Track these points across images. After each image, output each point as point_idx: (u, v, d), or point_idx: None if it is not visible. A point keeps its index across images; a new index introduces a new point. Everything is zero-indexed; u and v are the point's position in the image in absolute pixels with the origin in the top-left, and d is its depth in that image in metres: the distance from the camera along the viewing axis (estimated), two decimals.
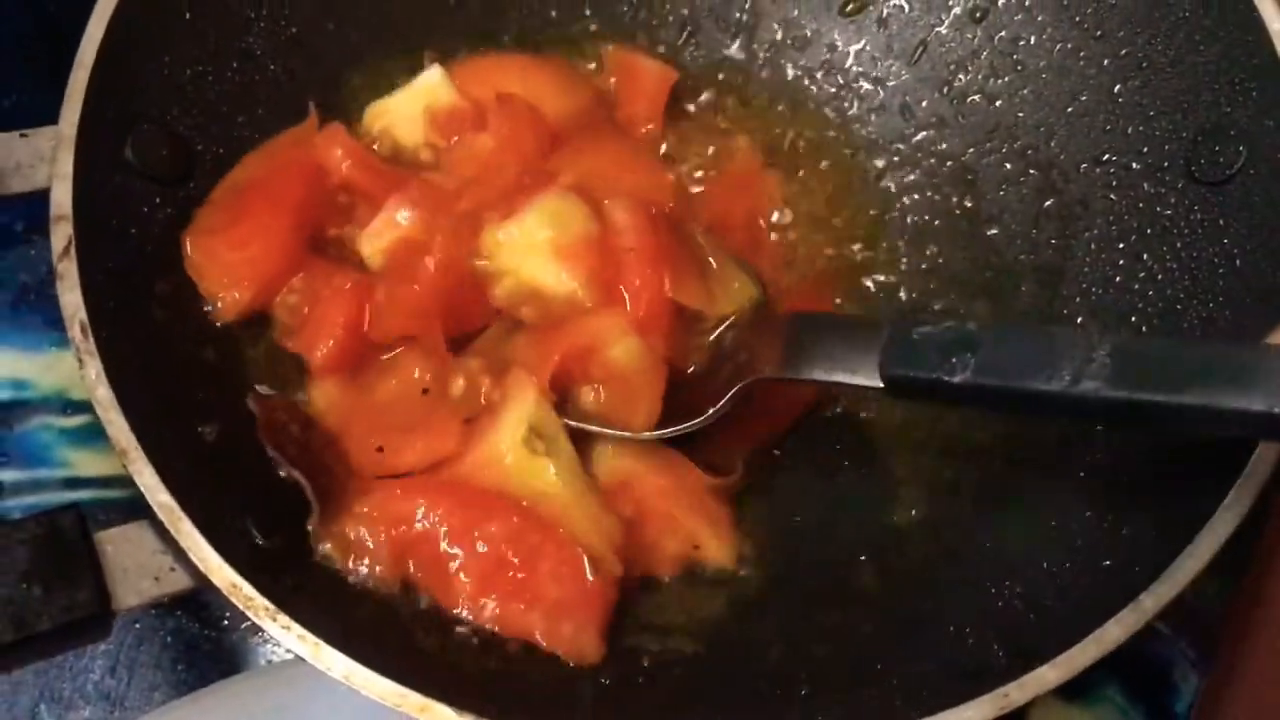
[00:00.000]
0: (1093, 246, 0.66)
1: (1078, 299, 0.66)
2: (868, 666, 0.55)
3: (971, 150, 0.72)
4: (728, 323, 0.64)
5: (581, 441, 0.60)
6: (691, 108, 0.76)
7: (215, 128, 0.65)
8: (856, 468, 0.65)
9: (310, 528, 0.56)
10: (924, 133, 0.73)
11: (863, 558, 0.61)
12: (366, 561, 0.56)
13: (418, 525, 0.56)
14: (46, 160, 0.57)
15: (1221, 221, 0.60)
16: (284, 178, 0.65)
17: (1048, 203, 0.68)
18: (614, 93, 0.75)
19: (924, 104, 0.73)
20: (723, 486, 0.63)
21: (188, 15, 0.64)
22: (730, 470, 0.63)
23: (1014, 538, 0.59)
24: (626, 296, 0.61)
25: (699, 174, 0.74)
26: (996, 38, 0.71)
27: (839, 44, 0.75)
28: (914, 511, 0.63)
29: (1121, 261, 0.64)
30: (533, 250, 0.61)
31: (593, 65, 0.75)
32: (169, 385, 0.57)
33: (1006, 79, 0.71)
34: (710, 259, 0.65)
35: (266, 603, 0.49)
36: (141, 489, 0.51)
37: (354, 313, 0.62)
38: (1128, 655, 0.51)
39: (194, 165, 0.63)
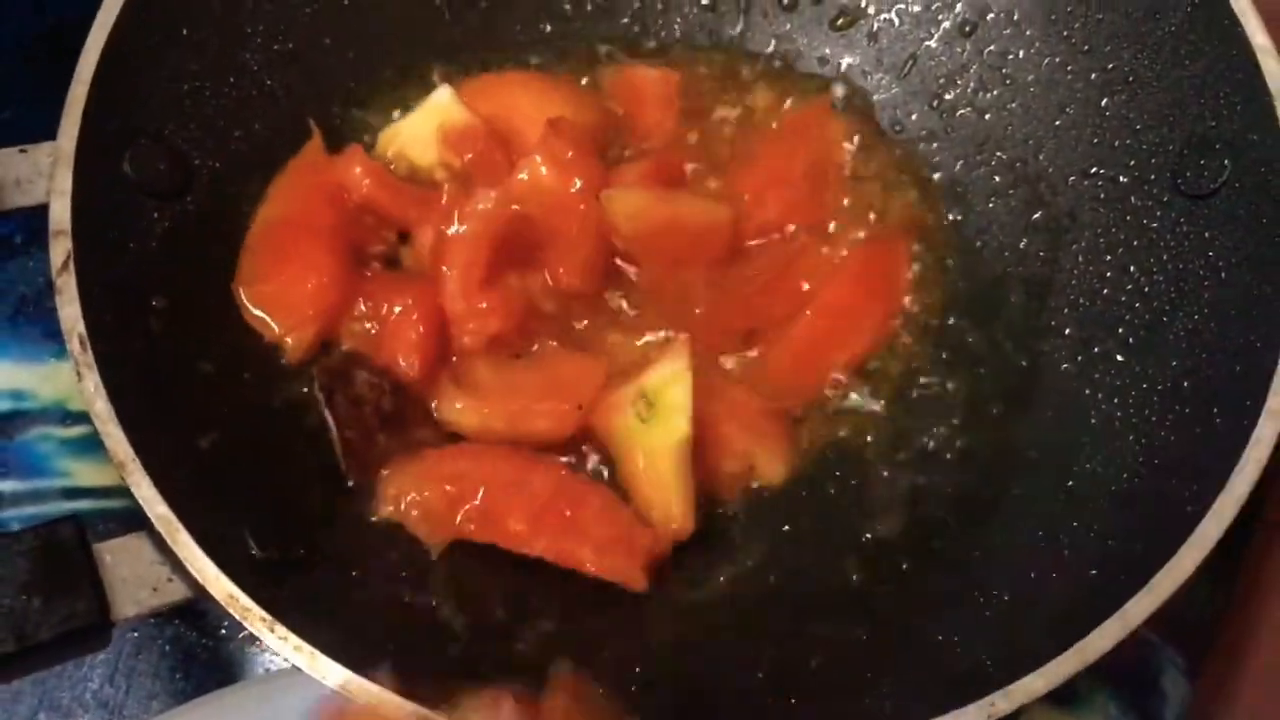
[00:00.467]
0: (1080, 259, 0.66)
1: (1065, 310, 0.66)
2: (857, 676, 0.55)
3: (961, 163, 0.72)
4: None
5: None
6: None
7: (213, 143, 0.65)
8: (845, 479, 0.65)
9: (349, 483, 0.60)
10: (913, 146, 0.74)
11: (852, 569, 0.62)
12: (420, 516, 0.59)
13: (469, 484, 0.59)
14: (45, 175, 0.58)
15: (1207, 234, 0.61)
16: (312, 207, 0.66)
17: (1036, 215, 0.69)
18: (624, 110, 0.74)
19: (914, 117, 0.74)
20: (777, 408, 0.65)
21: (185, 31, 0.64)
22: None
23: (1001, 549, 0.60)
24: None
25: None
26: (985, 52, 0.72)
27: (830, 58, 0.76)
28: (902, 523, 0.63)
29: (1109, 273, 0.65)
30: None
31: (585, 80, 0.75)
32: (167, 398, 0.57)
33: (995, 92, 0.72)
34: None
35: (263, 613, 0.49)
36: (139, 501, 0.51)
37: (431, 320, 0.63)
38: (1117, 662, 0.51)
39: (192, 180, 0.64)
